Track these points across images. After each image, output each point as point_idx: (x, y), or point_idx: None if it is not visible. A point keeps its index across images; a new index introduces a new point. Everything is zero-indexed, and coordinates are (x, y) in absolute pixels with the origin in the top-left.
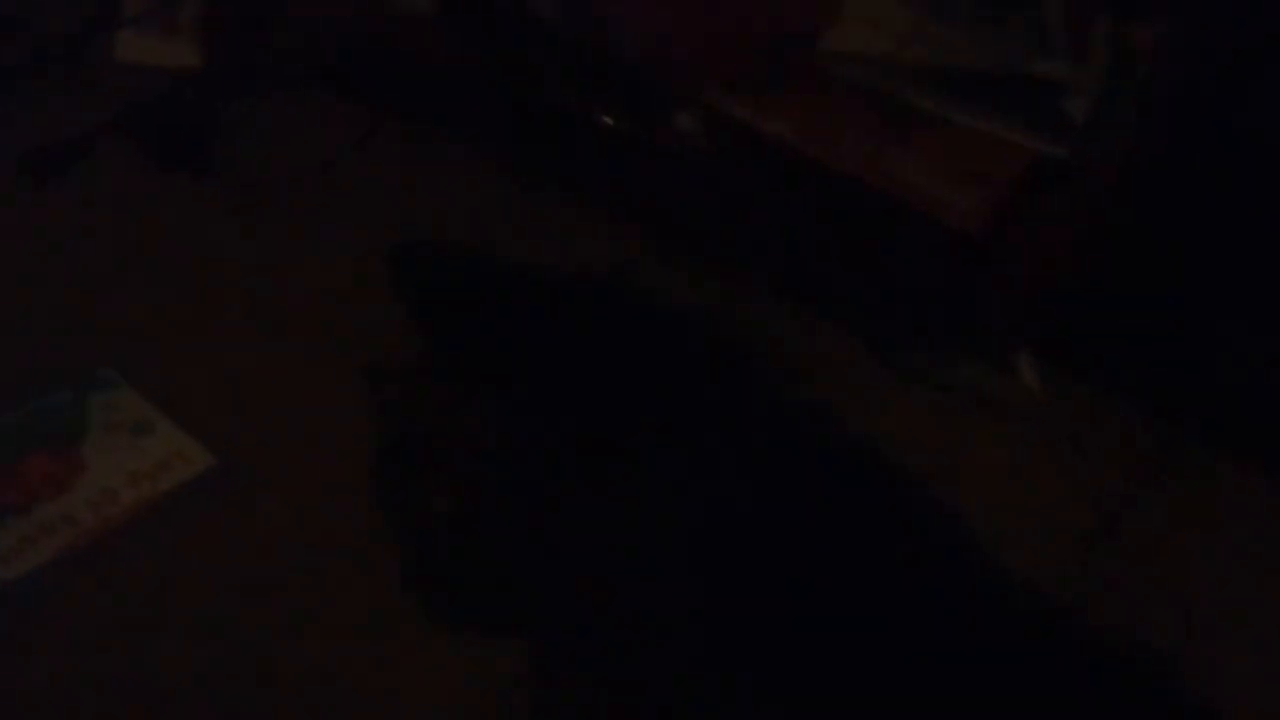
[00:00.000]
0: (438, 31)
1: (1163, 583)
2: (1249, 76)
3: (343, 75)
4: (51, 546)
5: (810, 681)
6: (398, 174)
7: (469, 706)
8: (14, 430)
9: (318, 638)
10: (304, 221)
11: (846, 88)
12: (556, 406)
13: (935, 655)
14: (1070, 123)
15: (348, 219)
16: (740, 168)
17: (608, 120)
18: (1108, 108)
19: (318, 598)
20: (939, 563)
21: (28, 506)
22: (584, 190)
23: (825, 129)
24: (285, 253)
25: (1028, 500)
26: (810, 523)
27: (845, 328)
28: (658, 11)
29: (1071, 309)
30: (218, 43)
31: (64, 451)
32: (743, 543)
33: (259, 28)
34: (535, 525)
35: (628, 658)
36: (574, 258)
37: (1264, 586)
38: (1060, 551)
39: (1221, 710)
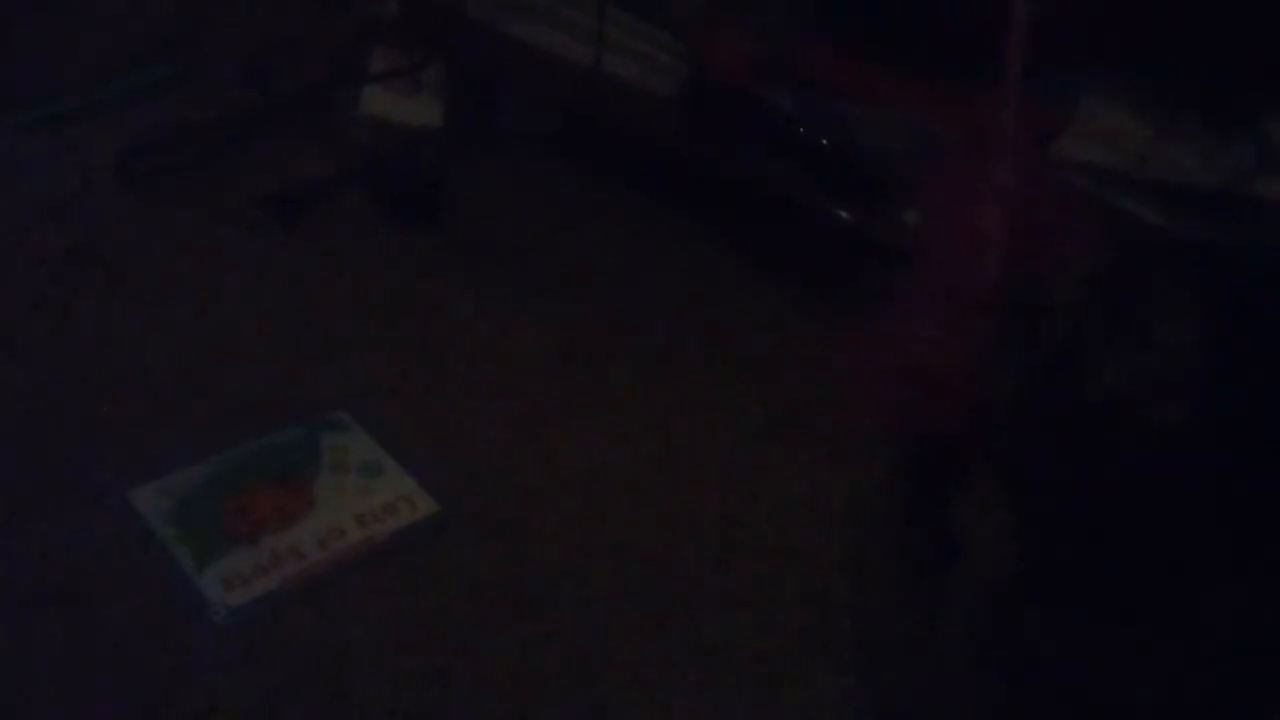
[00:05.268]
0: (671, 112)
1: None
2: None
3: (572, 143)
4: (277, 577)
5: None
6: (622, 242)
7: None
8: (249, 462)
9: (527, 689)
10: (525, 278)
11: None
12: None
13: None
14: None
15: (567, 278)
16: None
17: (844, 216)
18: None
19: (529, 650)
20: None
21: (256, 536)
22: (798, 275)
23: None
24: (507, 307)
25: None
26: None
27: None
28: None
29: None
30: (456, 104)
31: (295, 486)
32: None
33: (495, 93)
34: None
35: None
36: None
37: None
38: None
39: None
